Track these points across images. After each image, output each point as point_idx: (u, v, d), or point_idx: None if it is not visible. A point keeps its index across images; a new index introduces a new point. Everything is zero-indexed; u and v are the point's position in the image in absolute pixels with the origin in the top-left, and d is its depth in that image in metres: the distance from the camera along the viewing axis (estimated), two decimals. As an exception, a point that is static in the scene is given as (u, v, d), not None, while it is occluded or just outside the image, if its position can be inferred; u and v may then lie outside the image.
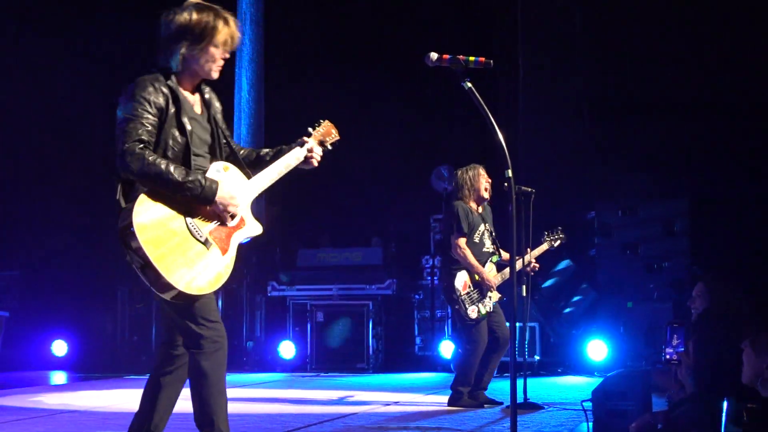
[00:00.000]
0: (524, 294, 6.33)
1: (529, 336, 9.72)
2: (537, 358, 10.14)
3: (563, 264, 10.83)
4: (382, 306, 11.13)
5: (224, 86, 10.67)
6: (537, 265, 6.70)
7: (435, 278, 10.89)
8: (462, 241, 6.72)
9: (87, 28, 11.08)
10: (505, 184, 4.77)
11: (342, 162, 10.97)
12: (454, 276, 6.72)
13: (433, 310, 11.11)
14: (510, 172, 4.39)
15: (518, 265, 5.98)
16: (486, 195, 6.81)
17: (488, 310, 6.76)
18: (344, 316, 10.83)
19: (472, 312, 6.69)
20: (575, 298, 10.88)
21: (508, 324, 6.95)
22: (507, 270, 6.70)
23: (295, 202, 11.57)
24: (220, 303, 11.17)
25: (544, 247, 7.09)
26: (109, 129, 3.68)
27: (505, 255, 6.82)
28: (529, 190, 6.40)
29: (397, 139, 11.79)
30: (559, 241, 7.16)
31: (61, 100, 11.03)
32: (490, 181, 6.81)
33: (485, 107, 4.24)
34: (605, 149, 11.13)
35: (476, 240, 6.81)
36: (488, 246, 6.85)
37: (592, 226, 10.73)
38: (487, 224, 6.84)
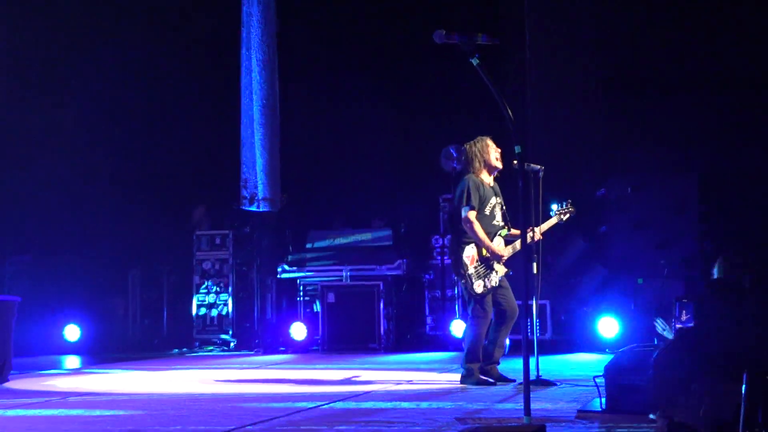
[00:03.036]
0: (534, 271, 6.43)
1: (540, 314, 9.54)
2: (548, 336, 10.26)
3: (573, 243, 10.84)
4: (393, 286, 11.25)
5: (231, 69, 11.05)
6: (540, 236, 6.64)
7: (445, 258, 10.93)
8: (472, 214, 6.71)
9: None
10: (515, 161, 4.80)
11: (351, 143, 11.81)
12: (463, 249, 6.73)
13: (444, 289, 11.17)
14: (519, 148, 4.42)
15: (528, 240, 6.00)
16: (498, 164, 6.80)
17: (495, 284, 6.76)
18: (355, 296, 10.97)
19: (478, 287, 6.69)
20: (586, 275, 10.97)
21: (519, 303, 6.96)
22: (518, 242, 6.66)
23: (305, 184, 11.88)
24: (230, 286, 11.52)
25: (553, 221, 7.00)
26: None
27: (515, 231, 6.84)
28: (539, 167, 6.43)
29: (405, 121, 11.84)
30: (568, 215, 7.06)
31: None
32: (499, 150, 6.82)
33: (493, 83, 4.34)
34: (615, 125, 11.11)
35: (486, 213, 6.81)
36: (498, 219, 6.84)
37: (603, 203, 10.82)
38: (498, 197, 6.84)
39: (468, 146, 6.92)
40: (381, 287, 10.96)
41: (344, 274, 11.29)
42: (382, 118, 11.65)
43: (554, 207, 7.02)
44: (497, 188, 6.91)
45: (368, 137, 11.88)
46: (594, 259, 10.87)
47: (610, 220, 10.79)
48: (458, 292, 10.53)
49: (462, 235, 6.81)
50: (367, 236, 11.53)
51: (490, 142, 6.86)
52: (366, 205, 12.08)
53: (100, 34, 11.42)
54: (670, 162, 10.76)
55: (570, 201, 7.08)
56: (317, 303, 11.23)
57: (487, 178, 6.88)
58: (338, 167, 11.83)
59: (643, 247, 10.40)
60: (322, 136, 12.02)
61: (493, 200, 6.84)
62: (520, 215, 4.97)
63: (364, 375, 8.06)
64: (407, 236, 11.45)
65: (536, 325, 7.32)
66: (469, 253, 6.75)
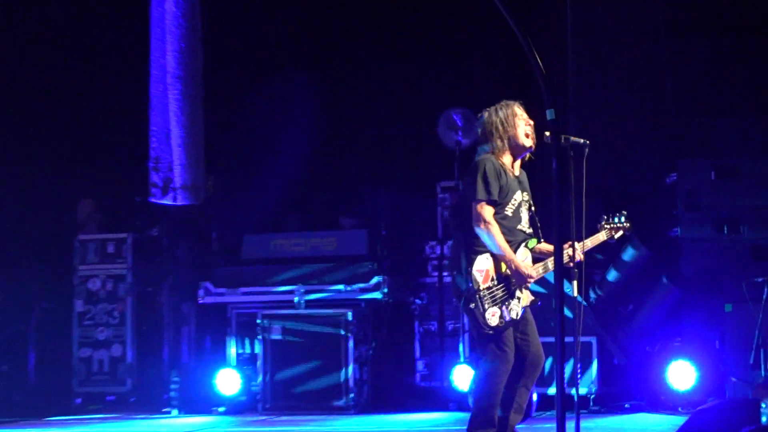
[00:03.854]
0: (574, 294, 6.43)
1: (582, 357, 9.98)
2: (594, 388, 10.35)
3: (630, 251, 10.87)
4: (369, 316, 11.32)
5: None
6: (581, 257, 6.72)
7: (444, 273, 11.09)
8: (489, 211, 6.84)
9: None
10: (546, 133, 5.23)
11: (306, 108, 12.19)
12: (472, 261, 6.83)
13: (443, 320, 11.29)
14: (553, 113, 4.73)
15: (566, 256, 6.32)
16: (527, 142, 6.97)
17: (515, 316, 6.90)
18: (313, 331, 11.06)
19: (493, 317, 6.80)
20: (650, 300, 11.08)
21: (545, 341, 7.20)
22: (550, 261, 6.85)
23: (240, 167, 12.23)
24: (128, 316, 11.65)
25: (601, 237, 7.30)
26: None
27: (546, 246, 7.05)
28: (581, 141, 6.47)
29: (389, 78, 12.11)
30: (621, 232, 7.37)
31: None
32: (531, 123, 6.98)
33: (515, 19, 4.58)
34: (689, 86, 11.46)
35: (509, 212, 6.96)
36: (524, 223, 7.00)
37: (674, 195, 10.96)
38: (526, 193, 7.02)
39: (487, 114, 7.09)
40: (350, 317, 11.00)
41: (297, 298, 11.34)
42: (356, 70, 12.03)
43: (603, 218, 7.37)
44: (525, 180, 7.09)
45: (331, 98, 12.21)
46: (661, 274, 10.96)
47: (683, 220, 10.91)
48: (464, 323, 10.71)
49: (472, 240, 6.91)
50: (330, 242, 11.63)
51: (518, 109, 7.04)
52: (330, 197, 12.26)
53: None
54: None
55: (625, 214, 7.36)
56: (257, 340, 11.30)
57: (511, 164, 7.05)
58: (288, 143, 12.01)
59: (733, 258, 10.55)
60: (262, 97, 12.35)
61: (519, 195, 6.99)
62: (554, 218, 5.09)
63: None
64: (389, 242, 11.54)
65: (577, 373, 7.68)
66: (483, 266, 6.86)
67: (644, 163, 11.34)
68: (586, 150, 6.43)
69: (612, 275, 11.10)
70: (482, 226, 6.82)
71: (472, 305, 6.76)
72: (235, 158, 12.30)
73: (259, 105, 12.47)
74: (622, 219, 7.34)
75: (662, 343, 10.49)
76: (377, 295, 11.30)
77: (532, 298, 6.97)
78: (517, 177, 7.00)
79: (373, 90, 12.25)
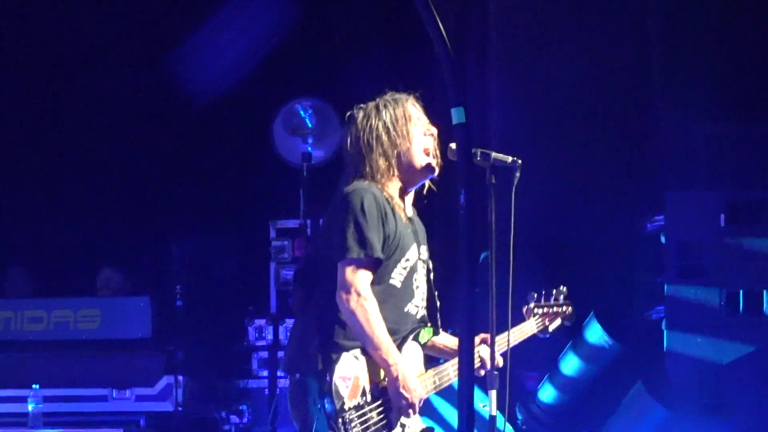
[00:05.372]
0: (492, 413, 5.52)
1: None
2: None
3: (595, 334, 9.56)
4: None
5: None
6: (500, 361, 5.99)
7: (280, 375, 10.17)
8: (364, 278, 5.94)
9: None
10: (451, 145, 5.35)
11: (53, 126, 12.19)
12: (332, 362, 5.94)
13: None
14: (462, 113, 4.39)
15: (476, 358, 5.95)
16: (429, 160, 6.12)
17: None
18: None
19: None
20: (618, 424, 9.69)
21: None
22: (447, 368, 6.19)
23: None
24: None
25: (528, 329, 6.54)
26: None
27: (447, 341, 6.29)
28: (509, 160, 5.80)
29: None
30: (558, 321, 6.62)
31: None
32: (434, 131, 6.18)
33: None
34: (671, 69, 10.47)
35: (395, 282, 6.08)
36: (418, 300, 6.19)
37: (658, 251, 9.53)
38: (423, 247, 6.26)
39: (360, 115, 6.22)
40: None
41: (31, 406, 9.55)
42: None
43: (533, 296, 6.70)
44: (421, 226, 6.36)
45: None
46: (635, 380, 9.52)
47: (674, 292, 9.30)
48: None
49: (333, 326, 6.05)
50: (90, 316, 10.01)
51: (413, 108, 6.20)
52: (90, 239, 11.37)
53: None
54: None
55: (564, 291, 6.74)
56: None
57: (401, 197, 6.26)
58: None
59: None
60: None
61: (414, 252, 6.17)
62: (459, 291, 4.50)
63: None
64: (189, 318, 10.12)
65: None
66: (349, 370, 5.98)
67: (609, 198, 10.05)
68: (517, 174, 5.80)
69: (557, 383, 9.85)
70: (352, 302, 5.92)
71: None
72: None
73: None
74: (561, 299, 6.68)
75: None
76: (167, 406, 9.90)
77: (424, 426, 6.13)
78: (410, 220, 6.19)
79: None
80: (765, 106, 10.38)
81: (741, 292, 9.15)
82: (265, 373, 10.27)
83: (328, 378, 5.86)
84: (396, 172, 6.14)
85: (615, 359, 9.65)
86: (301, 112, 9.98)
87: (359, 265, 5.92)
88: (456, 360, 5.77)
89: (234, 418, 10.30)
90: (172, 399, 9.73)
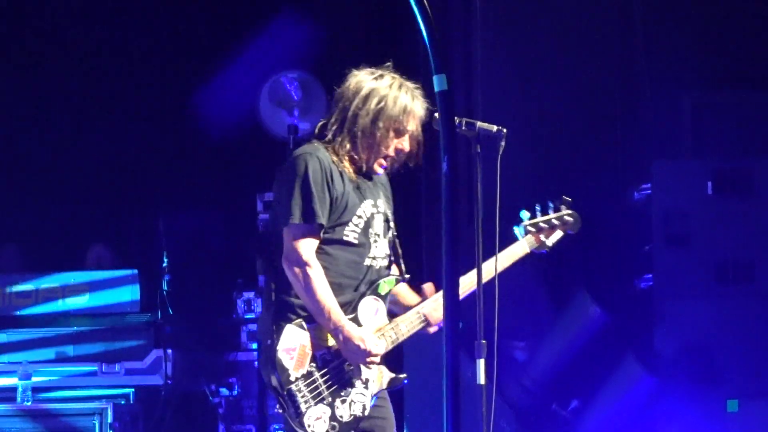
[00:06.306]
0: (480, 383, 5.60)
1: None
2: None
3: (583, 304, 9.48)
4: (140, 414, 9.88)
5: None
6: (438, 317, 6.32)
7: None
8: (309, 245, 6.05)
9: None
10: (435, 114, 5.13)
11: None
12: (276, 337, 6.07)
13: (265, 423, 10.03)
14: (444, 80, 4.43)
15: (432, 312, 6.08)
16: (379, 170, 6.21)
17: (360, 412, 6.19)
18: None
19: (317, 422, 6.09)
20: (607, 393, 9.53)
21: None
22: (411, 316, 6.20)
23: None
24: None
25: (520, 249, 6.42)
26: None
27: (411, 295, 6.36)
28: (494, 129, 5.91)
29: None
30: (559, 233, 6.48)
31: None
32: (405, 150, 6.19)
33: None
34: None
35: (350, 237, 6.18)
36: (377, 251, 6.26)
37: (645, 220, 9.43)
38: (380, 201, 6.33)
39: (369, 79, 6.21)
40: (109, 417, 9.34)
41: (20, 386, 9.51)
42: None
43: (526, 215, 6.57)
44: (380, 182, 6.43)
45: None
46: (624, 350, 9.41)
47: (661, 261, 9.38)
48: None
49: (279, 294, 6.19)
50: (78, 289, 9.99)
51: (416, 109, 6.11)
52: (77, 216, 11.10)
53: None
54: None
55: (569, 201, 6.57)
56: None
57: (350, 160, 6.32)
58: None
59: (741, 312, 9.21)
60: None
61: (367, 207, 6.25)
62: (443, 237, 4.55)
63: None
64: (178, 289, 10.17)
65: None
66: (293, 341, 6.11)
67: (595, 167, 10.01)
68: (502, 144, 5.94)
69: (545, 354, 9.72)
70: (296, 269, 6.08)
71: (278, 408, 6.09)
72: None
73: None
74: (562, 208, 6.52)
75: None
76: (156, 379, 9.94)
77: (392, 375, 6.26)
78: (362, 176, 6.25)
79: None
80: (750, 74, 10.42)
81: (729, 259, 9.24)
82: (254, 345, 10.22)
83: (271, 352, 5.97)
84: (350, 151, 6.18)
85: (603, 329, 9.56)
86: (286, 86, 9.88)
87: (303, 231, 6.00)
88: (417, 309, 6.14)
89: (223, 391, 10.30)
90: (162, 372, 9.75)
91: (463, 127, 5.73)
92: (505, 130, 5.81)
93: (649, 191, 9.46)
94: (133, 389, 9.72)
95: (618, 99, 10.47)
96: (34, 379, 9.60)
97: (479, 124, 5.81)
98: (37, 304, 10.00)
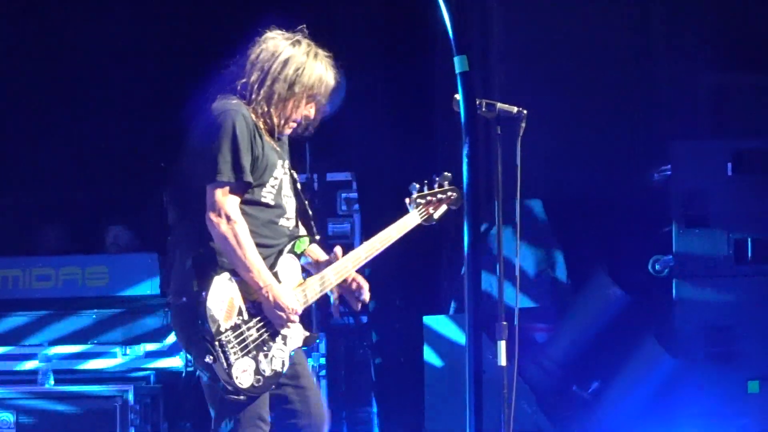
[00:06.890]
0: (501, 364, 5.69)
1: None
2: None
3: (603, 285, 9.48)
4: (160, 397, 9.91)
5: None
6: (353, 280, 6.20)
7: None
8: (233, 202, 6.01)
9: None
10: (456, 96, 5.08)
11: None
12: (206, 284, 5.91)
13: None
14: (465, 61, 4.60)
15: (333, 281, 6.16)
16: (287, 132, 6.30)
17: (280, 368, 6.12)
18: (69, 422, 9.43)
19: (244, 373, 5.97)
20: (628, 375, 9.60)
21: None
22: (328, 273, 6.19)
23: None
24: None
25: (409, 221, 6.47)
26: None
27: (321, 253, 6.44)
28: (514, 110, 5.92)
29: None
30: (443, 207, 6.50)
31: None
32: (311, 117, 6.31)
33: None
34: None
35: (267, 198, 6.22)
36: (290, 214, 6.32)
37: (664, 201, 9.45)
38: (285, 162, 6.39)
39: (286, 44, 6.17)
40: (131, 398, 9.41)
41: (40, 374, 9.57)
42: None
43: (415, 187, 6.52)
44: (285, 143, 6.47)
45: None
46: (645, 332, 9.43)
47: (680, 242, 9.36)
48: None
49: (206, 248, 6.06)
50: (98, 273, 9.89)
51: (327, 77, 6.12)
52: (95, 196, 11.26)
53: None
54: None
55: (449, 177, 6.52)
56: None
57: (272, 124, 6.31)
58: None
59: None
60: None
61: (280, 170, 6.26)
62: (465, 218, 4.78)
63: None
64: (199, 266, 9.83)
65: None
66: (223, 292, 6.02)
67: (614, 148, 10.10)
68: (523, 125, 5.97)
69: (566, 335, 9.74)
70: (222, 225, 5.98)
71: (209, 358, 5.86)
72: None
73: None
74: (445, 184, 6.51)
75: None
76: (176, 363, 9.89)
77: (308, 333, 6.23)
78: (272, 138, 6.31)
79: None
80: (768, 54, 10.81)
81: (749, 240, 9.27)
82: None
83: (202, 302, 5.90)
84: (265, 113, 6.20)
85: (624, 310, 9.65)
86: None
87: (229, 188, 5.99)
88: (333, 266, 6.11)
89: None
90: (182, 355, 9.71)
91: (483, 108, 5.73)
92: (525, 111, 5.84)
93: (668, 172, 9.45)
94: (154, 371, 9.74)
95: (637, 80, 10.45)
96: (55, 362, 9.67)
97: (499, 105, 5.81)
98: (57, 286, 9.96)
